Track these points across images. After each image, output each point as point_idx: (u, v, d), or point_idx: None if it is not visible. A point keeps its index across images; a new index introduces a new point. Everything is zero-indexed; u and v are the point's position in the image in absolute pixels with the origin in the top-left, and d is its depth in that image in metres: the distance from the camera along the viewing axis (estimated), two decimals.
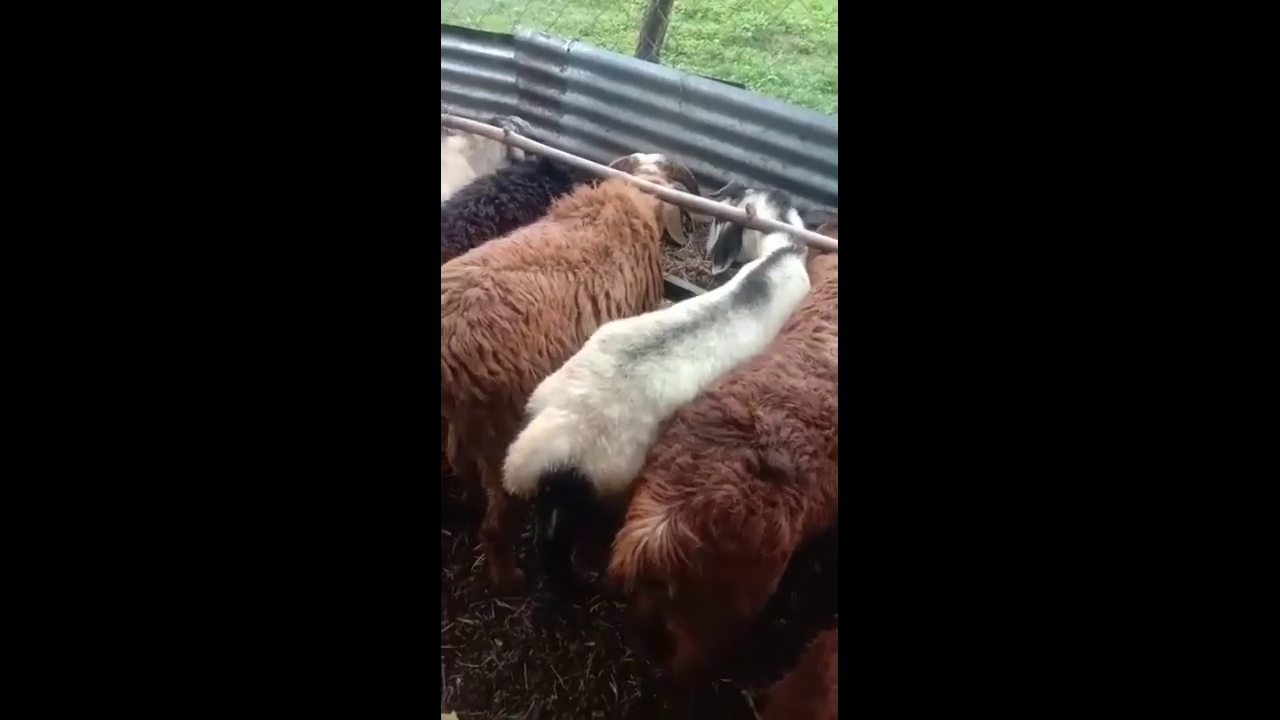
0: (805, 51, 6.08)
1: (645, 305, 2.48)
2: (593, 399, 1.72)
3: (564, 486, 1.67)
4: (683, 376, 1.82)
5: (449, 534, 2.62)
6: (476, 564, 2.49)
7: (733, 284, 2.17)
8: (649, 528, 1.48)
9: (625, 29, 6.49)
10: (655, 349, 1.83)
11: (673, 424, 1.70)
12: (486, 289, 1.90)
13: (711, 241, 3.10)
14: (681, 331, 1.90)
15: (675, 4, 6.70)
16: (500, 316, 1.89)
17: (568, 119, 3.61)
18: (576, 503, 1.71)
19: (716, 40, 6.15)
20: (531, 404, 1.78)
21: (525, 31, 3.55)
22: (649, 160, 2.86)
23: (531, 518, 2.30)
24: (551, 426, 1.69)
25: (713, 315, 1.98)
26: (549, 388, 1.78)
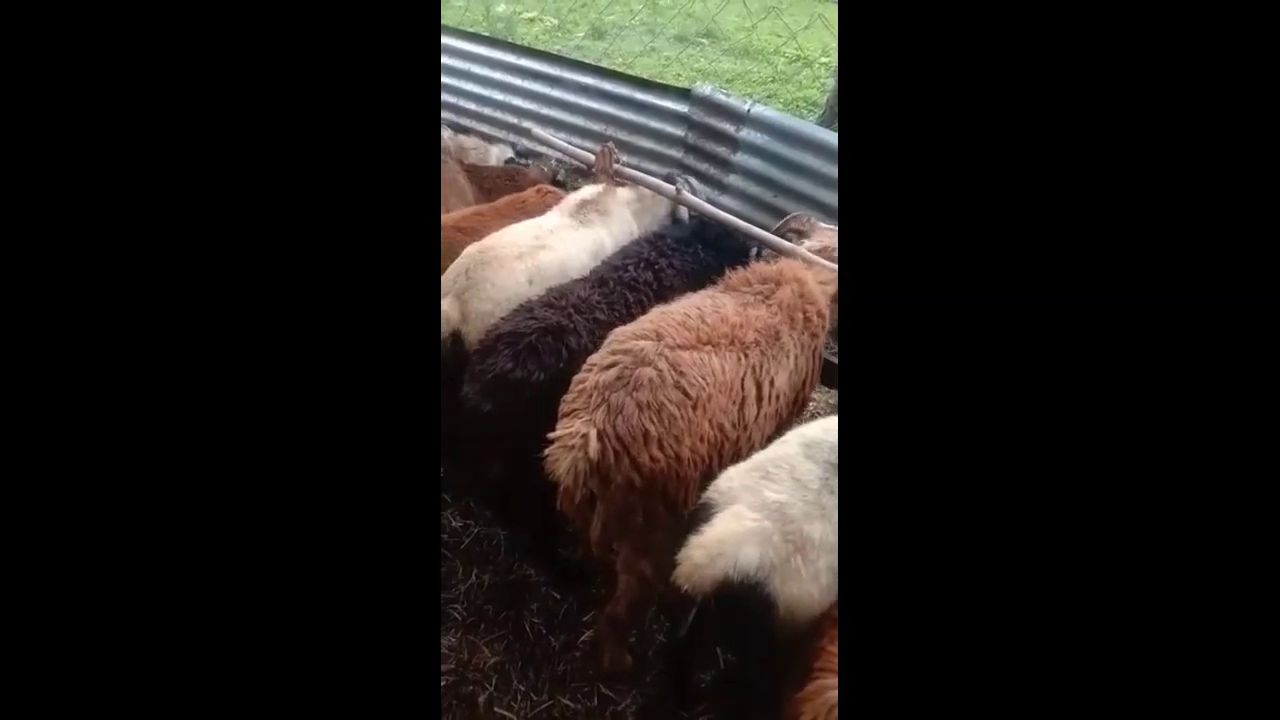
0: None
1: (799, 398, 2.30)
2: (793, 510, 1.53)
3: (743, 600, 1.48)
4: None
5: (557, 597, 2.51)
6: (583, 638, 2.36)
7: None
8: None
9: (773, 81, 6.41)
10: None
11: None
12: (660, 370, 1.79)
13: None
14: None
15: (820, 59, 6.59)
16: (670, 401, 1.76)
17: (734, 179, 3.52)
18: (750, 622, 1.51)
19: None
20: (714, 495, 1.61)
21: (704, 88, 3.51)
22: (827, 231, 2.67)
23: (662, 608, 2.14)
24: (742, 530, 1.51)
25: None
26: (737, 482, 1.61)
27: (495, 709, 2.19)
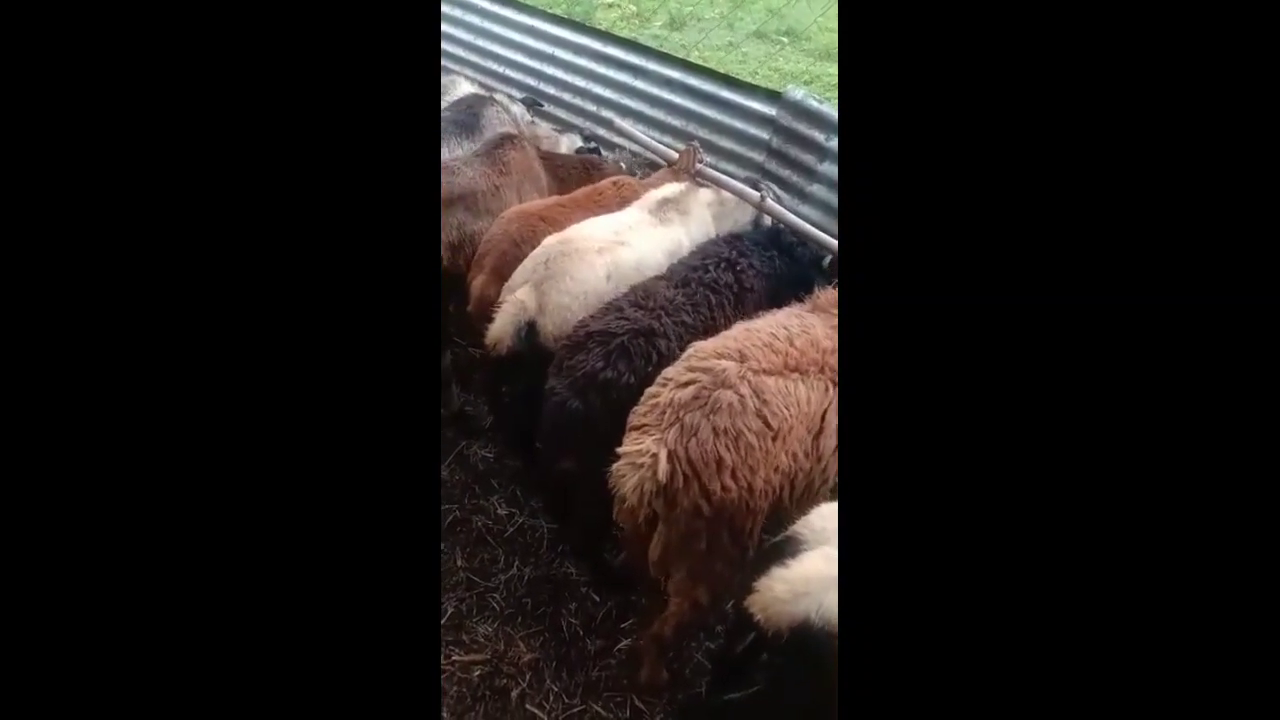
0: None
1: None
2: None
3: (816, 648, 1.40)
4: None
5: (597, 600, 2.49)
6: (620, 646, 2.33)
7: None
8: None
9: None
10: None
11: None
12: (742, 395, 1.72)
13: None
14: None
15: None
16: (749, 429, 1.70)
17: (816, 189, 3.40)
18: (816, 674, 1.42)
19: None
20: (804, 531, 1.53)
21: (796, 92, 3.38)
22: None
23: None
24: (832, 575, 1.43)
25: None
26: (833, 523, 1.52)
27: (527, 706, 2.18)
